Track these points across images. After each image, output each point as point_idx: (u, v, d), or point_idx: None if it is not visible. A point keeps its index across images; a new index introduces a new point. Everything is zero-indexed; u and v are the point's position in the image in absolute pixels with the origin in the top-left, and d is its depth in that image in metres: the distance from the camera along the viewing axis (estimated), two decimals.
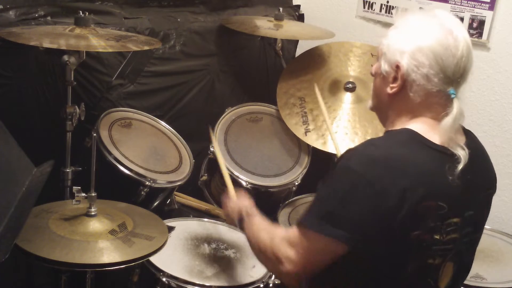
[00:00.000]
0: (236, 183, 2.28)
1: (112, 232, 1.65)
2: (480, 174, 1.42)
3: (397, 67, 1.36)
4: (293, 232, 1.38)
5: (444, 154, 1.32)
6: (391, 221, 1.27)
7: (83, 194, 1.68)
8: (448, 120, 1.31)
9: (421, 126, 1.36)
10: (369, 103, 1.51)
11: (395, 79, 1.37)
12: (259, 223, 1.54)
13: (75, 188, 1.68)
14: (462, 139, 1.39)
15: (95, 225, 1.66)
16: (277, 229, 1.47)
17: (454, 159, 1.31)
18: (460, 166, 1.30)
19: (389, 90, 1.39)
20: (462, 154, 1.31)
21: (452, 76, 1.33)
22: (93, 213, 1.68)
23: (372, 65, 1.49)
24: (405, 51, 1.34)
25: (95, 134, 1.69)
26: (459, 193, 1.33)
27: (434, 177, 1.31)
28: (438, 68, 1.32)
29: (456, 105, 1.32)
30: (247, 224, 1.56)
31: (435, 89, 1.33)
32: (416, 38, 1.34)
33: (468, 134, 1.45)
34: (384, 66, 1.40)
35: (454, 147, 1.32)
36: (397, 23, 1.41)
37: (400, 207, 1.26)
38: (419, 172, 1.29)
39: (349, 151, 1.37)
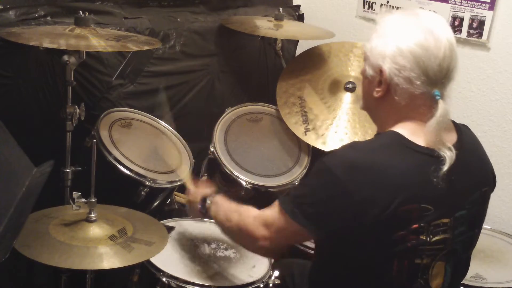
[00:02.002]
0: (236, 183, 2.29)
1: (111, 237, 1.65)
2: (473, 173, 1.42)
3: (380, 71, 1.36)
4: (271, 211, 1.44)
5: (428, 156, 1.32)
6: (369, 227, 1.29)
7: (83, 200, 1.68)
8: (432, 122, 1.31)
9: (407, 128, 1.36)
10: (361, 103, 1.52)
11: (379, 83, 1.38)
12: (227, 205, 1.61)
13: (75, 193, 1.68)
14: (451, 139, 1.39)
15: (95, 230, 1.66)
16: (249, 209, 1.52)
17: (440, 161, 1.30)
18: (445, 168, 1.29)
19: (375, 94, 1.40)
20: (449, 155, 1.30)
21: (435, 77, 1.32)
22: (93, 219, 1.68)
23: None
24: (386, 55, 1.34)
25: (95, 140, 1.69)
26: (446, 194, 1.32)
27: (416, 180, 1.31)
28: (419, 70, 1.31)
29: (441, 106, 1.31)
30: (214, 208, 1.64)
31: (418, 91, 1.33)
32: (396, 41, 1.33)
33: (461, 131, 1.44)
34: (369, 71, 1.40)
35: (441, 149, 1.31)
36: (378, 26, 1.41)
37: (379, 215, 1.27)
38: (400, 177, 1.30)
39: (332, 152, 1.39)
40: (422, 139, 1.34)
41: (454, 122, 1.45)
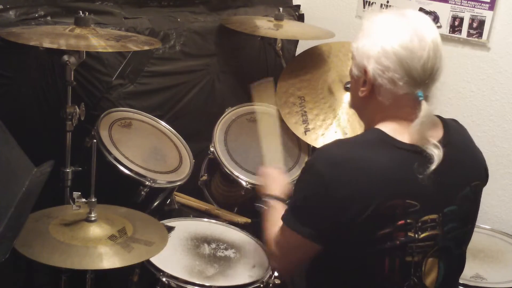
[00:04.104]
0: (236, 183, 2.29)
1: (111, 237, 1.65)
2: (462, 168, 1.42)
3: (365, 71, 1.37)
4: (279, 229, 1.46)
5: (412, 153, 1.33)
6: (355, 224, 1.30)
7: (83, 200, 1.68)
8: (416, 123, 1.32)
9: (390, 126, 1.37)
10: (349, 101, 1.55)
11: (364, 83, 1.39)
12: (271, 214, 1.60)
13: (75, 193, 1.68)
14: (437, 135, 1.39)
15: (95, 230, 1.66)
16: (276, 225, 1.51)
17: (426, 158, 1.31)
18: (433, 166, 1.30)
19: (360, 94, 1.41)
20: (436, 153, 1.31)
21: (419, 78, 1.33)
22: (93, 219, 1.68)
23: None
24: (371, 55, 1.35)
25: (95, 140, 1.69)
26: (433, 190, 1.33)
27: (399, 176, 1.32)
28: (403, 72, 1.32)
29: (424, 107, 1.32)
30: (267, 212, 1.64)
31: (402, 92, 1.34)
32: (381, 41, 1.34)
33: (447, 126, 1.44)
34: (355, 70, 1.42)
35: (427, 146, 1.32)
36: (364, 25, 1.41)
37: (363, 211, 1.29)
38: (382, 172, 1.31)
39: (317, 149, 1.42)
40: (405, 137, 1.35)
41: (440, 118, 1.46)
